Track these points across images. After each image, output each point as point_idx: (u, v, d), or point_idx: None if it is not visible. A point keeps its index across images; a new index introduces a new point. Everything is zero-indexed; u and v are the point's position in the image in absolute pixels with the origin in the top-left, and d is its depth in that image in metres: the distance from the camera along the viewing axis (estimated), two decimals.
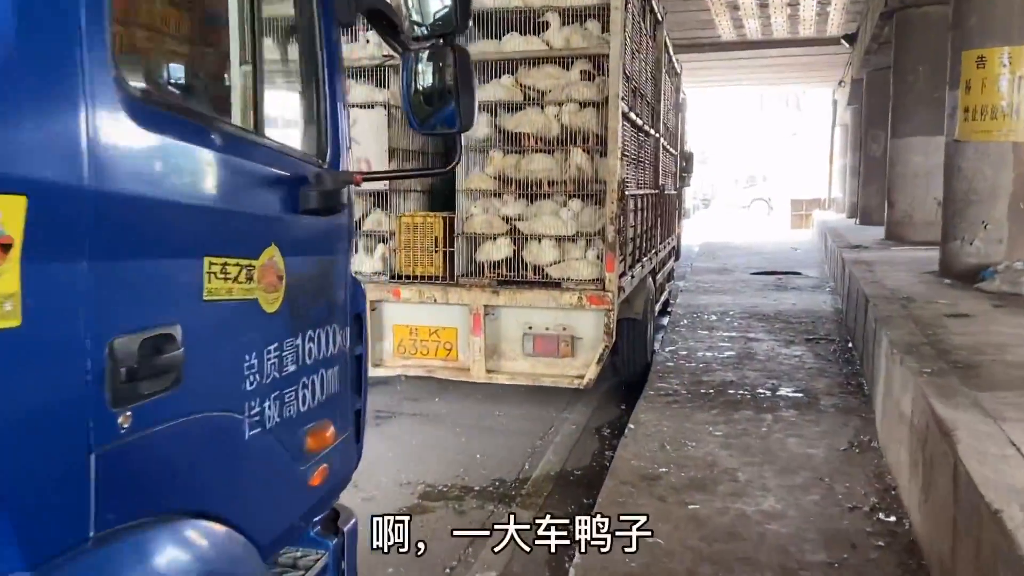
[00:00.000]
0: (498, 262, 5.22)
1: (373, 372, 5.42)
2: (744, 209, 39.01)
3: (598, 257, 5.07)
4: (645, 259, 6.99)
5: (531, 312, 5.15)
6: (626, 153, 5.67)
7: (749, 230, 26.59)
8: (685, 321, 9.38)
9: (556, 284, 5.12)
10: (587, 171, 5.05)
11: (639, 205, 6.73)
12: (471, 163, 5.27)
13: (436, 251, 5.26)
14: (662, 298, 9.59)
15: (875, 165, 16.54)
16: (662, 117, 8.21)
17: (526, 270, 5.20)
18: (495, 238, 5.17)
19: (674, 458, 4.75)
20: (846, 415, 5.59)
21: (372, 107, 5.28)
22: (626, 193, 5.23)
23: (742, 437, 5.13)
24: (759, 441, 5.04)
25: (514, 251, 5.18)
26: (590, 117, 5.02)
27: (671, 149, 9.90)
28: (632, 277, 5.98)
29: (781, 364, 7.16)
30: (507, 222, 5.19)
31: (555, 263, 5.11)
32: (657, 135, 7.92)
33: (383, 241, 5.36)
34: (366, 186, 5.32)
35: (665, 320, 9.90)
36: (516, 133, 5.14)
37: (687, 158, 13.47)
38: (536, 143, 5.14)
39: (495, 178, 5.21)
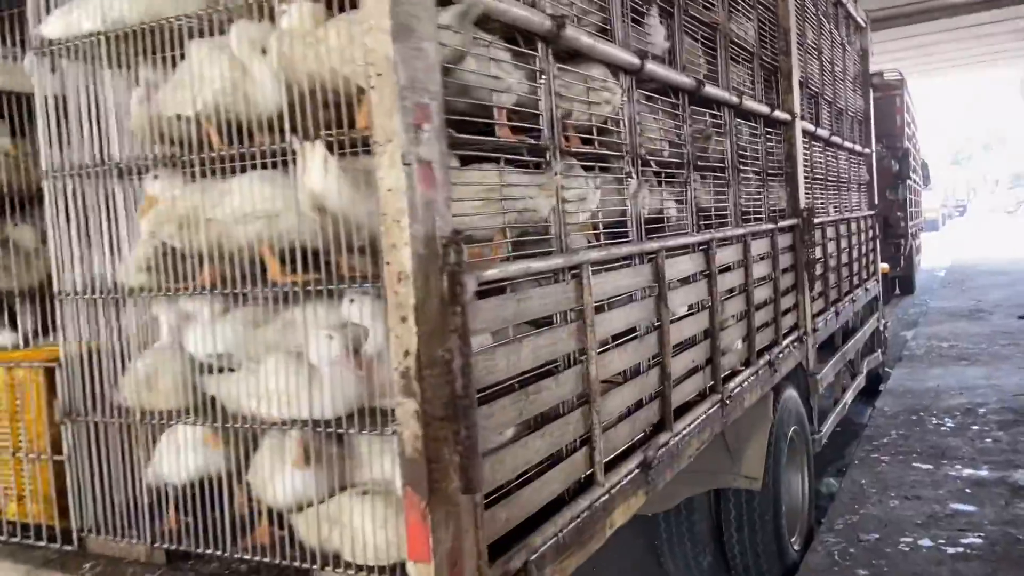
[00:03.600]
0: (186, 489, 1.82)
1: None
2: (1009, 214, 32.51)
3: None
4: (748, 373, 3.25)
5: None
6: (578, 154, 2.07)
7: (1016, 242, 20.69)
8: (894, 432, 5.43)
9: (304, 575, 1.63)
10: (345, 211, 1.53)
11: (713, 263, 3.04)
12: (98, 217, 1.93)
13: (37, 461, 1.95)
14: (846, 396, 5.52)
15: None
16: (796, 85, 4.36)
17: (255, 515, 1.76)
18: (171, 421, 1.80)
19: None
20: None
21: None
22: (463, 282, 1.54)
23: None
24: None
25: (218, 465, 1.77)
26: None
27: (849, 144, 5.91)
28: (652, 476, 2.29)
29: None
30: (199, 374, 1.80)
31: (305, 506, 1.64)
32: (787, 115, 4.13)
33: None
34: None
35: (867, 415, 6.02)
36: (181, 120, 1.74)
37: (899, 158, 9.18)
38: (224, 141, 1.71)
39: (153, 250, 1.83)
